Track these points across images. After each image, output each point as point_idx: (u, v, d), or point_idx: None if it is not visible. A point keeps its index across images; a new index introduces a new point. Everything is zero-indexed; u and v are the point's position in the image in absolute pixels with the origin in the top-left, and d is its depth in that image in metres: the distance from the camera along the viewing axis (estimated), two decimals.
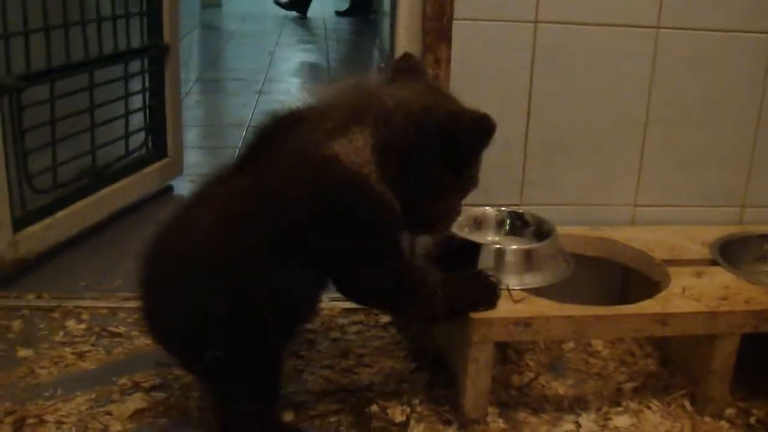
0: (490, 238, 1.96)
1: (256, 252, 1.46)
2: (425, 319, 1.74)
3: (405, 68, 1.65)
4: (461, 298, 1.67)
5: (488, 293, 1.70)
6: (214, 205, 1.54)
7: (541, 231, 1.92)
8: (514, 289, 1.74)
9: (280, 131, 1.55)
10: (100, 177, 2.73)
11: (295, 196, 1.47)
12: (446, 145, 1.51)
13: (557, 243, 1.89)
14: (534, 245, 1.85)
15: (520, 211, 2.00)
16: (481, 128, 1.51)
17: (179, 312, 1.51)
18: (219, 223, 1.50)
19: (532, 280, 1.80)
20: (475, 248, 1.80)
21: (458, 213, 1.69)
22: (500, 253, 1.80)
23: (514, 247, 1.83)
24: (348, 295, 1.64)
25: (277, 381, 1.65)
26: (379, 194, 1.48)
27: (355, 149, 1.47)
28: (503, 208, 2.00)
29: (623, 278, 2.15)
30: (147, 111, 3.03)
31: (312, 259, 1.50)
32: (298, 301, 1.56)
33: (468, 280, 1.71)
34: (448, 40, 1.95)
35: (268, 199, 1.48)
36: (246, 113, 4.42)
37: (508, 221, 1.99)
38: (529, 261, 1.81)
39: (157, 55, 2.96)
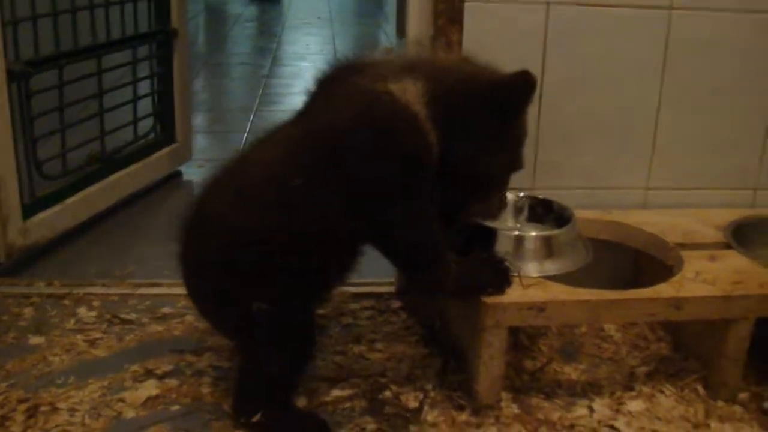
0: (509, 223, 1.95)
1: (305, 188, 1.54)
2: (433, 292, 1.75)
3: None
4: (472, 279, 1.68)
5: (499, 279, 1.70)
6: (271, 144, 1.65)
7: (561, 217, 1.91)
8: (528, 277, 1.73)
9: (338, 79, 1.65)
10: (109, 163, 2.73)
11: (346, 125, 1.55)
12: (490, 99, 1.58)
13: (577, 229, 1.87)
14: (553, 232, 1.84)
15: (541, 196, 1.99)
16: (523, 81, 1.58)
17: (230, 243, 1.57)
18: (274, 158, 1.60)
19: (552, 266, 1.78)
20: (490, 233, 1.79)
21: (503, 201, 1.76)
22: (520, 240, 1.79)
23: (534, 233, 1.82)
24: (375, 241, 1.65)
25: (309, 351, 1.70)
26: (423, 131, 1.55)
27: (408, 89, 1.56)
28: (522, 194, 1.98)
29: (634, 262, 2.14)
30: (155, 96, 3.02)
31: (352, 194, 1.55)
32: (336, 248, 1.61)
33: (481, 264, 1.71)
34: (460, 23, 1.93)
35: (321, 132, 1.58)
36: (252, 98, 4.40)
37: (527, 207, 1.98)
38: (548, 248, 1.80)
39: (165, 39, 2.95)
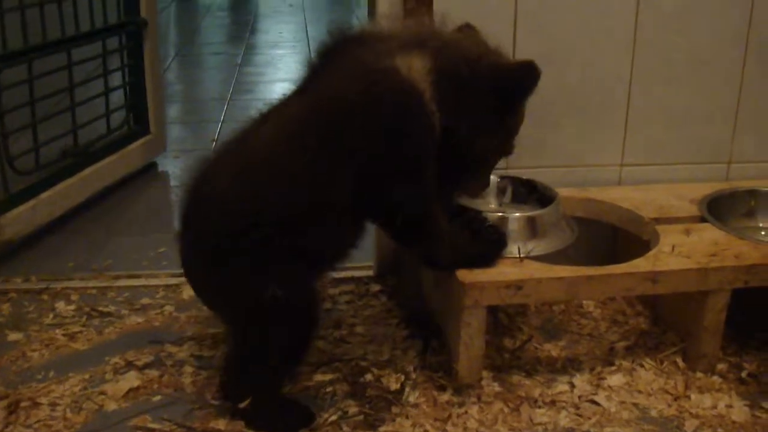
0: (492, 205, 1.95)
1: (310, 165, 1.52)
2: (431, 264, 1.77)
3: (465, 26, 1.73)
4: (470, 250, 1.71)
5: (495, 246, 1.73)
6: (274, 121, 1.61)
7: (544, 197, 1.91)
8: (511, 258, 1.75)
9: (341, 51, 1.61)
10: (82, 156, 2.71)
11: (351, 104, 1.53)
12: (494, 84, 1.58)
13: (560, 209, 1.88)
14: (537, 212, 1.84)
15: (524, 177, 1.98)
16: (528, 71, 1.59)
17: (234, 224, 1.54)
18: (278, 136, 1.57)
19: (537, 247, 1.79)
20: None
21: (486, 181, 1.78)
22: (503, 221, 1.79)
23: (517, 214, 1.82)
24: (376, 217, 1.67)
25: (312, 335, 1.68)
26: (428, 111, 1.55)
27: (414, 67, 1.54)
28: (504, 175, 1.98)
29: (612, 238, 2.15)
30: (127, 88, 3.00)
31: (355, 173, 1.54)
32: (341, 224, 1.60)
33: (476, 234, 1.74)
34: (429, 4, 1.92)
35: (325, 110, 1.55)
36: (226, 87, 4.38)
37: (510, 188, 1.98)
38: (532, 228, 1.80)
39: (134, 31, 2.93)
